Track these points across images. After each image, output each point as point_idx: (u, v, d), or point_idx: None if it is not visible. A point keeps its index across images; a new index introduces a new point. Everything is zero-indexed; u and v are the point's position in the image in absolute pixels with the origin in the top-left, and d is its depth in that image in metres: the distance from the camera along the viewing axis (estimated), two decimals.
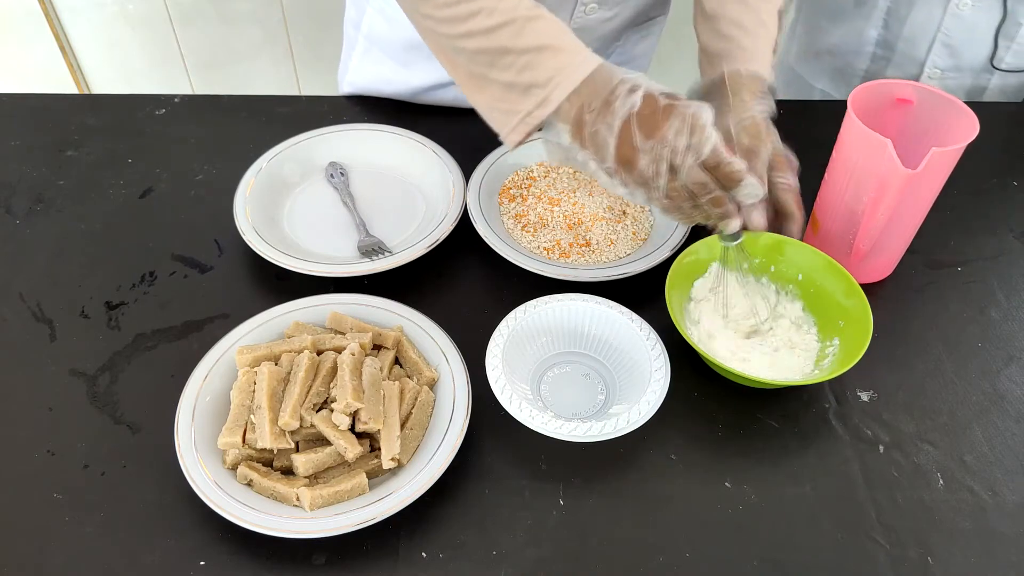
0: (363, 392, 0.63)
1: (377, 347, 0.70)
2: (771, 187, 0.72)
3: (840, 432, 0.68)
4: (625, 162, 0.63)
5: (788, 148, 0.73)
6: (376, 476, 0.63)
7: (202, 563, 0.58)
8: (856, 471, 0.65)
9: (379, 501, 0.59)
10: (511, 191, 0.86)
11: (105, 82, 1.88)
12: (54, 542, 0.59)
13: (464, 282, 0.80)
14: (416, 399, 0.65)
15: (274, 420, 0.62)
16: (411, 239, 0.81)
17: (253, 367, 0.66)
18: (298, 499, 0.59)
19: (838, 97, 1.13)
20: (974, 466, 0.66)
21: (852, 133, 0.71)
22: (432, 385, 0.68)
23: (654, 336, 0.69)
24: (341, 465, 0.62)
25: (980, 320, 0.77)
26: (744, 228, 0.68)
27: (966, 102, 0.72)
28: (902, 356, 0.74)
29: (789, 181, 0.72)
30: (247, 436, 0.62)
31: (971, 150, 0.69)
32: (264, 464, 0.62)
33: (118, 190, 0.89)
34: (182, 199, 0.88)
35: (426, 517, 0.61)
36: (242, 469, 0.61)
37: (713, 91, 0.77)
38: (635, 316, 0.70)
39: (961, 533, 0.61)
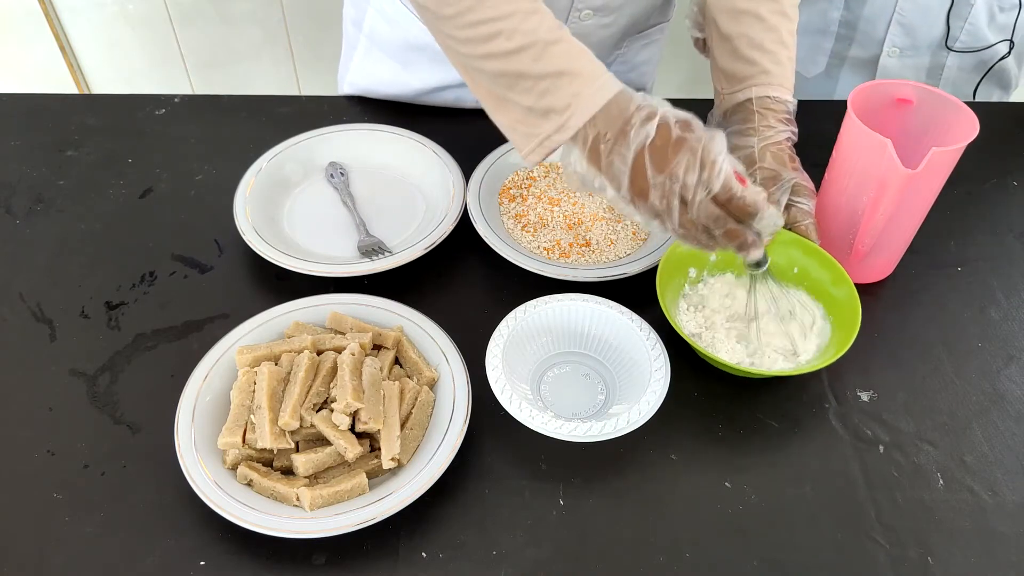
0: (363, 392, 0.63)
1: (377, 347, 0.70)
2: (790, 212, 0.75)
3: (840, 432, 0.68)
4: (639, 194, 0.62)
5: (807, 175, 0.76)
6: (376, 476, 0.63)
7: (202, 563, 0.58)
8: (856, 471, 0.65)
9: (379, 501, 0.59)
10: (511, 191, 0.86)
11: (105, 82, 1.88)
12: (54, 542, 0.59)
13: (464, 282, 0.80)
14: (416, 399, 0.65)
15: (274, 420, 0.62)
16: (411, 239, 0.81)
17: (253, 367, 0.66)
18: (298, 499, 0.59)
19: (807, 75, 1.17)
20: (974, 466, 0.66)
21: (852, 133, 0.71)
22: (432, 385, 0.68)
23: (654, 336, 0.69)
24: (341, 465, 0.62)
25: (980, 320, 0.77)
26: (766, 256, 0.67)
27: (966, 102, 0.72)
28: (902, 356, 0.74)
29: (808, 207, 0.75)
30: (247, 436, 0.62)
31: (971, 150, 0.69)
32: (264, 464, 0.62)
33: (118, 190, 0.89)
34: (182, 199, 0.88)
35: (426, 517, 0.61)
36: (242, 469, 0.61)
37: (738, 112, 0.79)
38: (635, 316, 0.70)
39: (961, 533, 0.61)
